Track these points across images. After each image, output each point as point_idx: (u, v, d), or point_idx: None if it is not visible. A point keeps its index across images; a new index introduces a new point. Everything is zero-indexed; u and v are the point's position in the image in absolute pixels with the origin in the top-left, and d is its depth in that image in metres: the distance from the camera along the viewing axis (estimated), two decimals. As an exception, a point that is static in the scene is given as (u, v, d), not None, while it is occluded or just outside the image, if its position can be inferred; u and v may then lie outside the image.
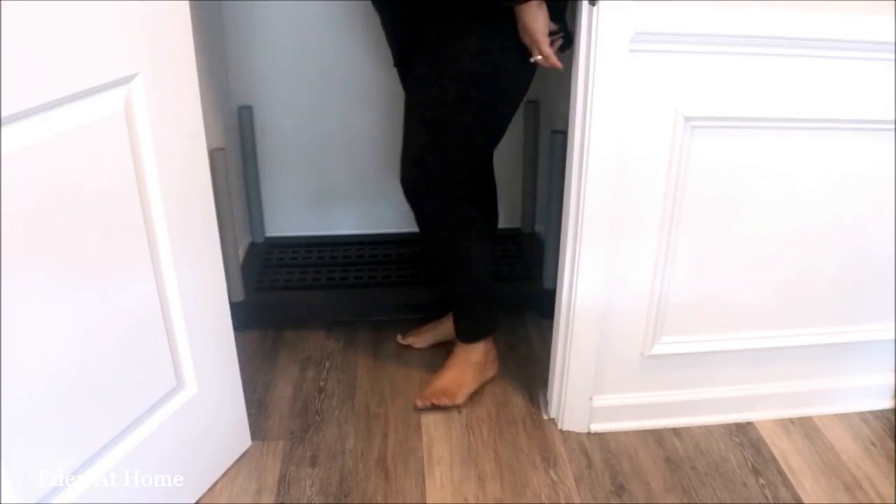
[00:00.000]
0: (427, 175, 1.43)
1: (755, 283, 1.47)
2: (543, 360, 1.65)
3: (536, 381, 1.70)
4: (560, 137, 1.62)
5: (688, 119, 1.28)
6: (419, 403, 1.59)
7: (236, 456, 1.47)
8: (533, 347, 1.84)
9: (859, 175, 1.38)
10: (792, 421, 1.60)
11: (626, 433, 1.56)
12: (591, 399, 1.53)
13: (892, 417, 1.61)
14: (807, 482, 1.44)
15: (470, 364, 1.62)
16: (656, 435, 1.56)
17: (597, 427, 1.56)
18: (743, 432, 1.57)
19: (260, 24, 1.95)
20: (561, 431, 1.56)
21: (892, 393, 1.63)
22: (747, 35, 1.22)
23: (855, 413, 1.62)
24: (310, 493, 1.40)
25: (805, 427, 1.59)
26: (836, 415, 1.62)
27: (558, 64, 1.29)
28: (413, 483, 1.43)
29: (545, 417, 1.60)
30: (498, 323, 1.66)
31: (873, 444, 1.54)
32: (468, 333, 1.63)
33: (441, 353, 1.80)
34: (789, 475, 1.45)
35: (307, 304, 1.89)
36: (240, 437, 1.48)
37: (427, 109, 1.40)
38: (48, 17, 0.90)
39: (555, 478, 1.44)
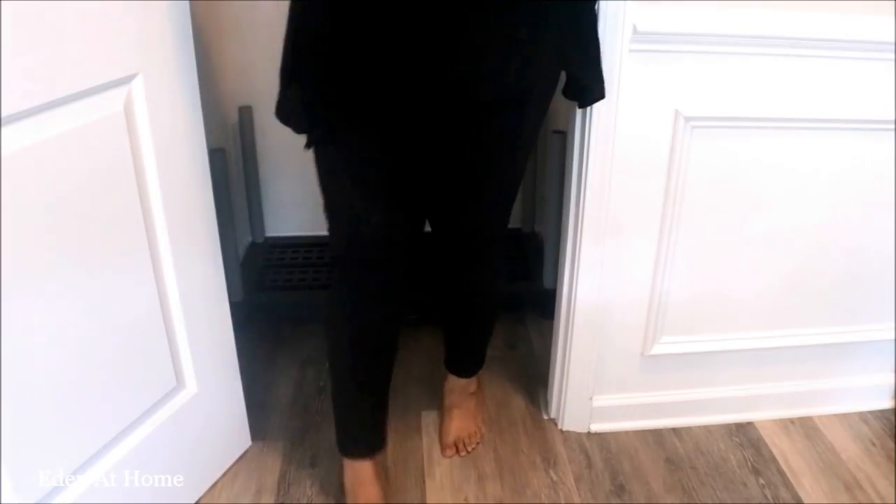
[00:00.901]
0: (497, 238, 1.33)
1: (755, 283, 1.47)
2: (543, 360, 1.65)
3: (536, 381, 1.70)
4: (560, 137, 1.62)
5: (688, 119, 1.28)
6: (448, 454, 1.50)
7: (236, 456, 1.47)
8: (533, 347, 1.84)
9: (859, 175, 1.38)
10: (792, 421, 1.60)
11: (626, 433, 1.56)
12: (591, 399, 1.53)
13: (892, 417, 1.61)
14: (807, 482, 1.44)
15: (470, 396, 1.57)
16: (656, 435, 1.56)
17: (597, 427, 1.56)
18: (743, 432, 1.57)
19: (260, 24, 1.94)
20: (561, 431, 1.56)
21: (892, 393, 1.63)
22: (747, 35, 1.22)
23: (855, 413, 1.62)
24: (310, 493, 1.40)
25: (805, 427, 1.59)
26: (836, 415, 1.62)
27: None
28: (413, 483, 1.43)
29: (545, 417, 1.60)
30: None
31: (873, 444, 1.54)
32: (474, 371, 1.55)
33: (441, 353, 1.81)
34: (789, 475, 1.45)
35: (307, 304, 1.89)
36: (240, 437, 1.48)
37: (511, 179, 1.23)
38: (48, 18, 0.90)
39: (555, 478, 1.44)
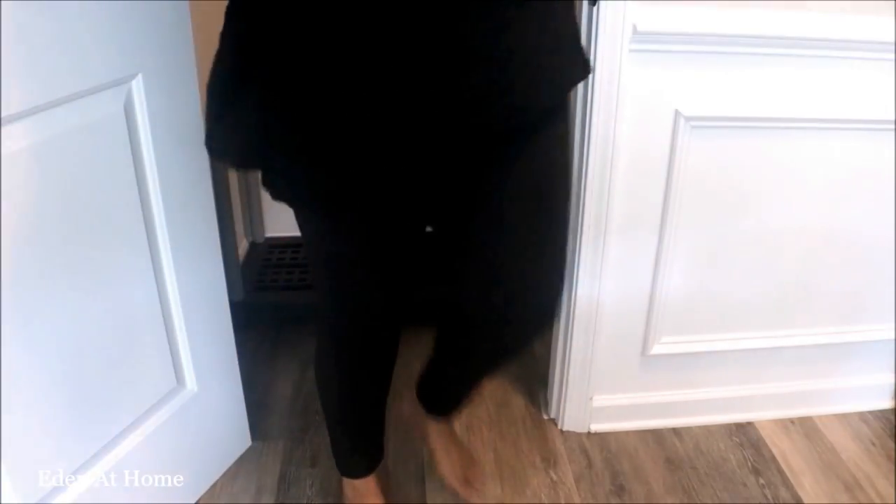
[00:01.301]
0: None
1: (755, 284, 1.47)
2: (543, 360, 1.65)
3: (536, 381, 1.70)
4: (560, 137, 1.62)
5: (688, 119, 1.28)
6: (471, 495, 1.31)
7: (236, 456, 1.47)
8: (533, 347, 1.84)
9: (859, 175, 1.38)
10: (792, 421, 1.60)
11: (626, 433, 1.56)
12: (591, 399, 1.53)
13: (892, 417, 1.61)
14: (807, 482, 1.44)
15: (453, 430, 1.35)
16: (656, 435, 1.56)
17: (597, 427, 1.56)
18: (743, 432, 1.57)
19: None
20: (561, 431, 1.56)
21: (892, 393, 1.63)
22: (747, 35, 1.22)
23: (855, 413, 1.62)
24: (310, 493, 1.40)
25: (805, 427, 1.59)
26: (836, 415, 1.61)
27: None
28: (413, 483, 1.43)
29: (545, 417, 1.60)
30: None
31: (873, 444, 1.54)
32: (459, 406, 1.30)
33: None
34: (789, 475, 1.45)
35: (307, 304, 1.88)
36: (240, 437, 1.48)
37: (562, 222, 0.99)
38: (48, 18, 0.90)
39: (555, 478, 1.44)
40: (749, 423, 1.59)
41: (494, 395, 1.67)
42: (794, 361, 1.57)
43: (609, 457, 1.50)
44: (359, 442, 1.28)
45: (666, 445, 1.53)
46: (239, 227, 2.01)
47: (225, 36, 0.81)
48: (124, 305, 1.13)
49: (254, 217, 2.11)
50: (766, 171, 1.36)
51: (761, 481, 1.44)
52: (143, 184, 1.11)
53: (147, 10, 1.04)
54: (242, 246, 2.08)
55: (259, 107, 0.80)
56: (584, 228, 1.35)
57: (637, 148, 1.30)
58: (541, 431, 1.57)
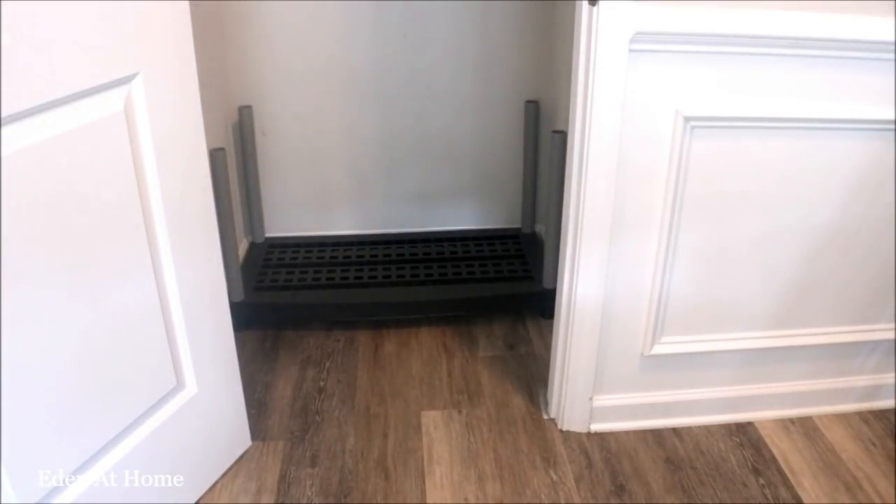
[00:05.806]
0: None
1: (755, 284, 1.47)
2: (543, 360, 1.65)
3: (536, 381, 1.70)
4: (560, 137, 1.62)
5: (688, 119, 1.28)
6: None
7: (236, 456, 1.47)
8: (533, 347, 1.84)
9: (859, 175, 1.38)
10: (792, 421, 1.60)
11: (626, 433, 1.56)
12: (591, 399, 1.53)
13: (892, 417, 1.61)
14: (807, 482, 1.44)
15: None
16: (656, 435, 1.56)
17: (597, 427, 1.56)
18: (743, 432, 1.57)
19: (260, 24, 1.95)
20: (561, 431, 1.56)
21: (893, 393, 1.63)
22: (747, 35, 1.22)
23: (855, 413, 1.62)
24: (310, 493, 1.40)
25: (805, 427, 1.59)
26: (836, 415, 1.61)
27: None
28: (413, 483, 1.43)
29: (545, 417, 1.60)
30: None
31: (873, 444, 1.54)
32: None
33: (441, 353, 1.81)
34: (789, 475, 1.45)
35: (307, 304, 1.89)
36: (240, 437, 1.48)
37: None
38: (48, 18, 0.90)
39: (555, 478, 1.44)
40: (749, 423, 1.59)
41: (494, 395, 1.67)
42: (794, 361, 1.57)
43: (609, 457, 1.50)
44: None
45: (666, 445, 1.53)
46: (239, 227, 2.02)
47: None
48: (124, 305, 1.13)
49: (254, 217, 2.11)
50: (767, 171, 1.36)
51: (761, 481, 1.44)
52: (143, 184, 1.11)
53: (147, 9, 1.04)
54: (242, 246, 2.09)
55: None
56: (584, 228, 1.35)
57: (637, 148, 1.30)
58: (541, 431, 1.57)
